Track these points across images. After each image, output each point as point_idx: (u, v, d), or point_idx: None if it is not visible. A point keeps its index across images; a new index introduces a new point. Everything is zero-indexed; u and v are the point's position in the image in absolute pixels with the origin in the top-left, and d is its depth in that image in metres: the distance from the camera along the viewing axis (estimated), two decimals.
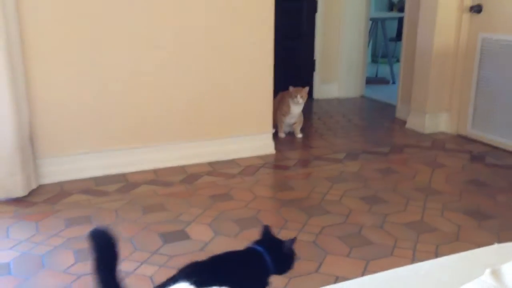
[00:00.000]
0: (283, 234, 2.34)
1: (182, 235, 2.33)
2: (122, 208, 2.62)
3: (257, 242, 1.48)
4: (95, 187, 2.89)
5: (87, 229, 2.36)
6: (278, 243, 1.47)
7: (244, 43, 3.29)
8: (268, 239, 1.49)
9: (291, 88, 3.80)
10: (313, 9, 5.03)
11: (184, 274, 1.29)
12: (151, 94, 3.12)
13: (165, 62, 3.11)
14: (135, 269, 2.04)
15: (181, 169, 3.19)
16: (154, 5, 3.00)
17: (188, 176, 3.08)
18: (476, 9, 3.66)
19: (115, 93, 3.02)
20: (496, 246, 1.02)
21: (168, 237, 2.31)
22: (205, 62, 3.21)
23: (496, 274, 0.78)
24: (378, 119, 4.57)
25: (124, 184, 2.95)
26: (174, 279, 1.27)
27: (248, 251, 1.45)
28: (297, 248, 2.21)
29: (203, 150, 3.31)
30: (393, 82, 5.99)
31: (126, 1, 2.93)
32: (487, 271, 0.80)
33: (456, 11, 3.79)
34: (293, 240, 1.48)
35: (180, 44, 3.12)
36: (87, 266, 2.07)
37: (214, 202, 2.71)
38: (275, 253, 1.43)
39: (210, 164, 3.29)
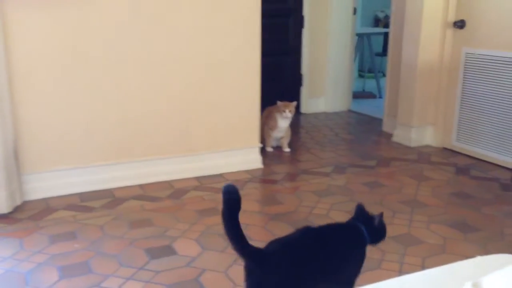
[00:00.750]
0: None
1: (168, 251, 2.31)
2: (108, 224, 2.60)
3: (354, 218, 1.69)
4: (81, 203, 2.86)
5: (71, 246, 2.35)
6: (371, 218, 1.67)
7: (232, 58, 3.30)
8: (362, 216, 1.68)
9: (279, 103, 3.82)
10: (300, 24, 5.09)
11: (301, 232, 1.56)
12: (137, 109, 3.11)
13: (151, 77, 3.11)
14: (120, 286, 2.02)
15: (168, 184, 3.18)
16: (142, 20, 3.01)
17: (175, 191, 3.07)
18: (459, 24, 3.73)
19: (101, 108, 3.02)
20: (478, 258, 1.03)
21: (155, 253, 2.29)
22: (192, 77, 3.22)
23: (476, 287, 0.78)
24: (365, 132, 4.61)
25: (110, 199, 2.92)
26: (292, 235, 1.56)
27: (348, 225, 1.67)
28: None
29: (190, 165, 3.31)
30: (380, 96, 6.05)
31: (111, 17, 2.94)
32: (468, 284, 0.80)
33: (440, 26, 3.85)
34: (381, 215, 1.67)
35: (167, 60, 3.13)
36: (71, 283, 2.05)
37: (201, 217, 2.70)
38: (369, 227, 1.64)
39: (198, 178, 3.28)
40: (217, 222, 2.63)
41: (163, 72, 3.14)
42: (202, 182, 3.23)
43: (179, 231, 2.52)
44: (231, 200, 1.42)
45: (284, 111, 3.77)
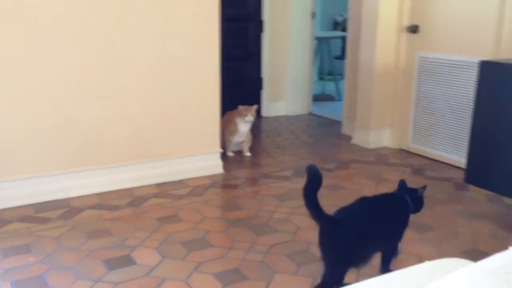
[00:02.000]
0: (231, 255, 2.33)
1: (127, 261, 2.27)
2: (64, 235, 2.53)
3: (399, 190, 2.09)
4: (35, 214, 2.77)
5: (26, 259, 2.27)
6: (414, 190, 2.07)
7: (190, 63, 3.29)
8: (405, 188, 2.08)
9: (241, 107, 3.81)
10: (260, 29, 5.11)
11: (361, 201, 1.99)
12: (93, 115, 3.05)
13: (107, 82, 3.06)
14: None
15: (127, 191, 3.13)
16: (96, 23, 2.95)
17: (134, 199, 3.02)
18: (413, 29, 3.83)
19: (55, 114, 2.93)
20: (426, 263, 1.06)
21: (113, 264, 2.24)
22: (151, 82, 3.18)
23: None
24: (325, 135, 4.67)
25: (66, 209, 2.85)
26: (354, 204, 1.97)
27: (396, 196, 2.08)
28: (245, 268, 2.21)
29: (150, 172, 3.26)
30: (339, 99, 6.14)
31: (58, 18, 2.87)
32: None
33: (394, 31, 3.95)
34: (424, 188, 2.08)
35: (123, 64, 3.08)
36: None
37: (161, 224, 2.66)
38: (412, 198, 2.05)
39: (158, 185, 3.24)
40: (177, 229, 2.61)
41: (119, 76, 3.08)
42: (162, 189, 3.19)
43: (138, 240, 2.48)
44: (315, 178, 1.80)
45: (247, 115, 3.77)
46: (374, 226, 1.92)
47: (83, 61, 2.95)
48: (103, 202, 2.97)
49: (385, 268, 2.08)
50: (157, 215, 2.79)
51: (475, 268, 0.84)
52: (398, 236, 2.08)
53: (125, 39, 3.05)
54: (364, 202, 1.99)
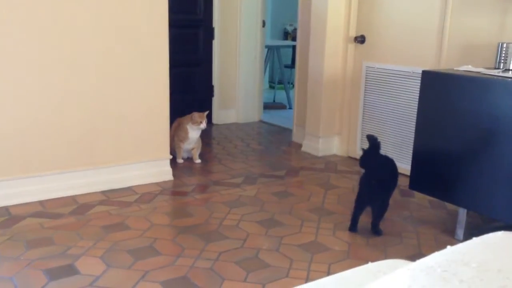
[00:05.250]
0: (180, 262, 2.29)
1: (70, 270, 2.18)
2: (2, 245, 2.40)
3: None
4: None
5: None
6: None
7: (139, 69, 3.22)
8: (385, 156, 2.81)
9: (195, 114, 3.76)
10: (210, 36, 5.10)
11: (385, 157, 2.80)
12: (36, 118, 2.92)
13: (54, 85, 2.95)
14: None
15: (72, 199, 3.01)
16: (43, 23, 2.84)
17: (79, 207, 2.91)
18: (360, 39, 3.94)
19: None
20: (370, 264, 1.07)
21: (54, 273, 2.15)
22: (98, 87, 3.10)
23: None
24: (275, 143, 4.70)
25: (5, 218, 2.71)
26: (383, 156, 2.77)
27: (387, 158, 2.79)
28: (194, 276, 2.18)
29: (96, 179, 3.16)
30: (290, 107, 6.22)
31: (12, 27, 2.75)
32: None
33: (342, 41, 4.05)
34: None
35: (69, 68, 2.98)
36: None
37: (107, 233, 2.58)
38: None
39: (104, 192, 3.15)
40: (124, 237, 2.53)
41: (65, 81, 2.98)
42: (109, 196, 3.09)
43: (82, 249, 2.39)
44: (375, 143, 2.67)
45: (202, 122, 3.74)
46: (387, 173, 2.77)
47: (28, 65, 2.84)
48: (45, 210, 2.84)
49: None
50: (103, 223, 2.70)
51: (413, 267, 0.86)
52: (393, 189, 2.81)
53: (72, 44, 2.96)
54: (386, 157, 2.80)
